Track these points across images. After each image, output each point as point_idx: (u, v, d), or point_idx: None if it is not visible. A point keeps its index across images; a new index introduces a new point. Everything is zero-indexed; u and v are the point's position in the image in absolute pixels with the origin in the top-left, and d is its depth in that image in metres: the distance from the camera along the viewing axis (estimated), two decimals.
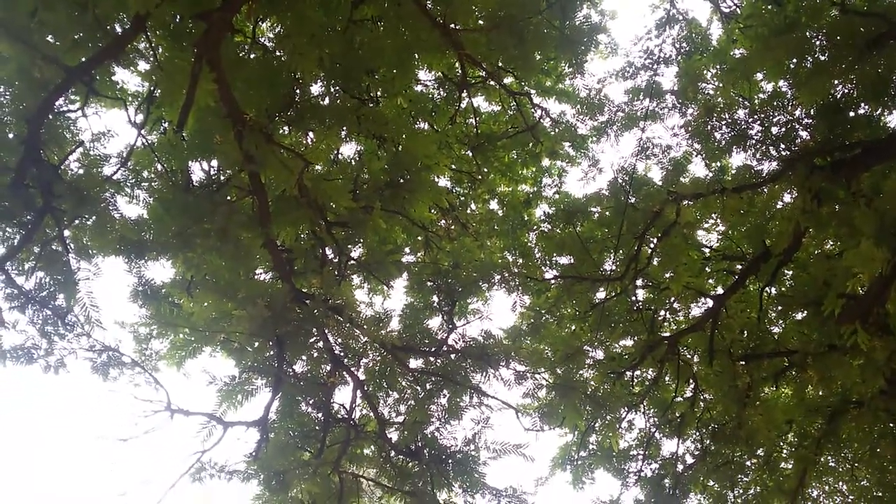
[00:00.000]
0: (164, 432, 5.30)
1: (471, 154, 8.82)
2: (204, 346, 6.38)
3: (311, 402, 5.79)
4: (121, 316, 6.85)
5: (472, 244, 7.84)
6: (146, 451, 5.36)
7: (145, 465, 5.35)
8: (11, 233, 4.79)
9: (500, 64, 8.09)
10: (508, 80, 8.61)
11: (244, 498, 5.92)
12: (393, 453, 5.93)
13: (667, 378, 9.34)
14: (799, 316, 8.99)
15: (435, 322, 6.64)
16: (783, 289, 8.96)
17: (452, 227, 9.27)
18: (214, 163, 6.22)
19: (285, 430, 5.79)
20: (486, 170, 9.19)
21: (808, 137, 6.87)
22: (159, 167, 6.06)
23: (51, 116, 5.14)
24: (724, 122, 7.12)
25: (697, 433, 9.24)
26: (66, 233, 4.97)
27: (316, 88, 6.42)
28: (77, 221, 5.19)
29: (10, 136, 4.99)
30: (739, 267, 8.82)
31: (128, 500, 4.89)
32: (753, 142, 7.15)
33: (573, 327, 8.94)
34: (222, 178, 5.86)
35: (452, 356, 5.86)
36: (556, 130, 8.80)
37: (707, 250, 9.25)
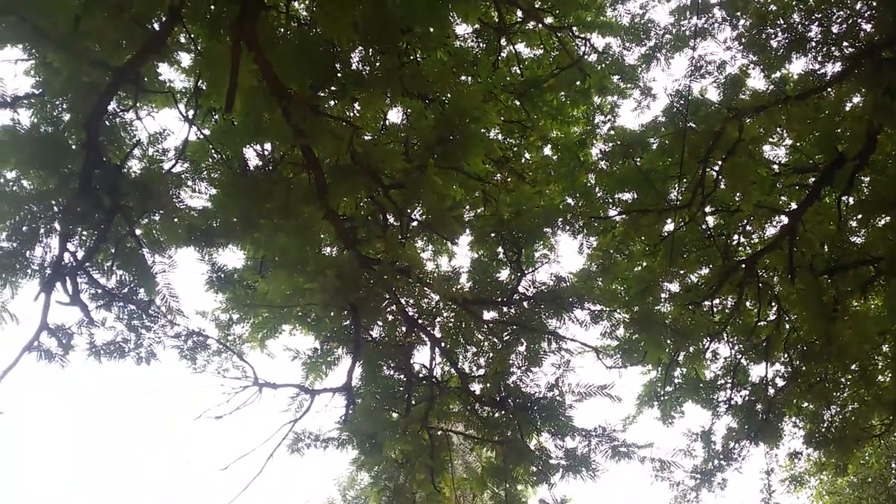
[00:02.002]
0: (256, 408, 5.48)
1: (518, 103, 8.67)
2: (282, 324, 6.56)
3: (391, 364, 5.89)
4: (201, 306, 7.09)
5: (531, 192, 7.75)
6: (241, 427, 5.57)
7: (242, 441, 5.55)
8: (87, 236, 5.00)
9: (538, 4, 7.88)
10: (548, 20, 8.39)
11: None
12: (478, 406, 6.00)
13: (748, 303, 9.10)
14: (881, 222, 8.59)
15: (503, 275, 6.63)
16: (862, 196, 8.54)
17: (509, 178, 9.18)
18: (268, 146, 6.33)
19: (371, 394, 5.92)
20: (535, 116, 9.03)
21: (872, 30, 6.46)
22: (216, 156, 6.21)
23: (107, 122, 5.32)
24: (779, 29, 6.76)
25: (786, 355, 8.99)
26: (137, 230, 5.16)
27: (355, 57, 6.41)
28: (146, 218, 5.38)
29: (72, 144, 5.18)
30: (812, 179, 8.44)
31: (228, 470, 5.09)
32: (813, 44, 6.78)
33: (644, 263, 8.77)
34: (277, 157, 5.95)
35: (525, 304, 5.84)
36: (604, 64, 8.54)
37: (776, 166, 8.88)
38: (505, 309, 5.88)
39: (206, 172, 6.37)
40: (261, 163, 6.11)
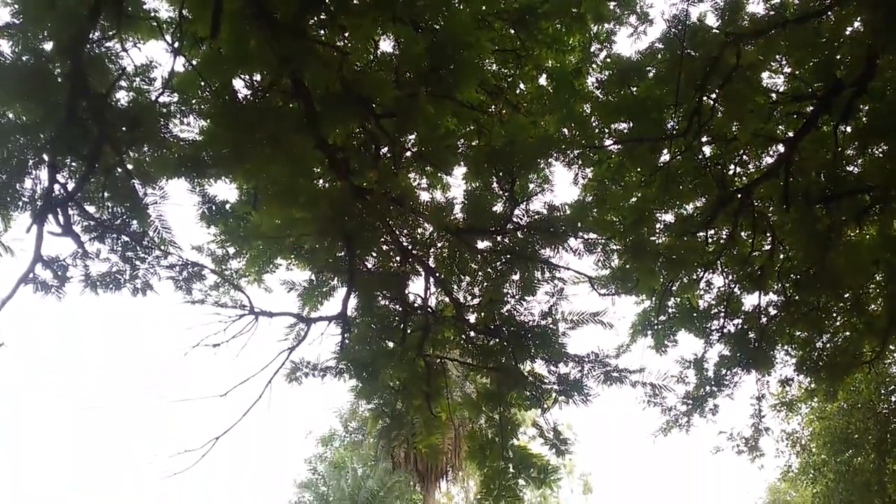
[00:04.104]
0: (253, 343, 5.55)
1: (513, 31, 8.48)
2: (277, 257, 6.59)
3: (386, 295, 5.94)
4: (195, 241, 7.09)
5: (526, 122, 7.65)
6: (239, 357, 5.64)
7: (240, 369, 5.64)
8: (77, 167, 4.97)
9: None
10: None
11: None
12: (473, 334, 6.07)
13: (742, 234, 9.12)
14: (879, 151, 8.53)
15: (498, 207, 6.61)
16: (860, 124, 8.46)
17: (503, 110, 9.06)
18: (257, 76, 6.22)
19: (367, 324, 5.98)
20: (530, 45, 8.84)
21: None
22: (204, 87, 6.11)
23: (91, 52, 5.20)
24: None
25: (779, 284, 9.06)
26: (127, 161, 5.12)
27: None
28: (135, 150, 5.33)
29: (57, 75, 5.09)
30: (811, 109, 8.34)
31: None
32: None
33: (639, 194, 8.74)
34: (266, 86, 5.85)
35: (519, 233, 5.84)
36: None
37: (774, 95, 8.76)
38: (499, 238, 5.89)
39: (195, 104, 6.29)
40: (250, 93, 6.02)
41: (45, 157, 4.76)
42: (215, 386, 5.44)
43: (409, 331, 5.93)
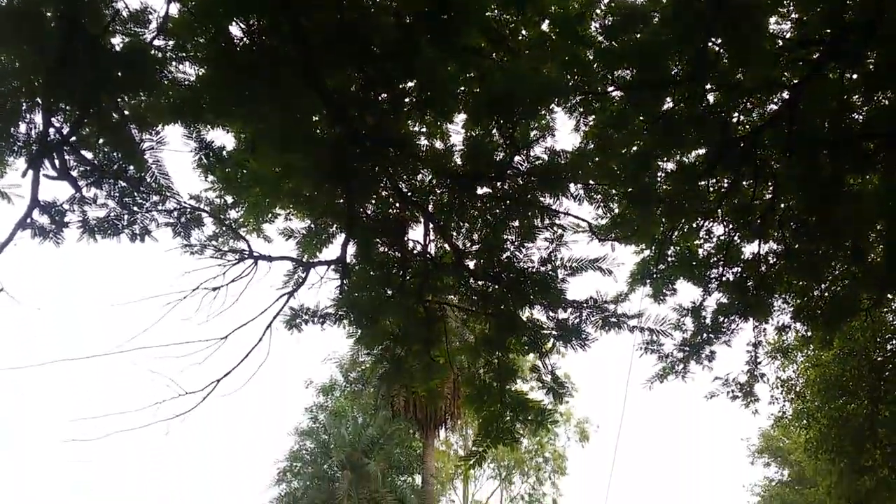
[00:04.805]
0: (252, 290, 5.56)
1: None
2: (276, 204, 6.54)
3: (385, 241, 5.93)
4: (193, 189, 7.04)
5: (527, 68, 7.52)
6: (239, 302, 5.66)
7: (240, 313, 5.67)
8: (71, 111, 4.90)
9: None
10: None
11: None
12: (472, 280, 6.09)
13: (744, 182, 9.06)
14: (885, 100, 8.42)
15: (498, 155, 6.55)
16: (867, 71, 8.32)
17: (505, 58, 8.90)
18: (254, 21, 6.09)
19: (365, 271, 6.00)
20: None
21: None
22: (200, 32, 5.98)
23: None
24: None
25: (779, 233, 9.05)
26: (122, 105, 5.05)
27: None
28: (130, 95, 5.24)
29: (49, 18, 4.99)
30: (817, 55, 8.20)
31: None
32: None
33: (641, 142, 8.66)
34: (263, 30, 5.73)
35: (519, 180, 5.81)
36: None
37: (780, 41, 8.60)
38: (499, 184, 5.85)
39: (190, 49, 6.17)
40: (247, 37, 5.90)
41: (39, 101, 4.70)
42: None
43: (408, 277, 5.94)
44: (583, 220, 6.13)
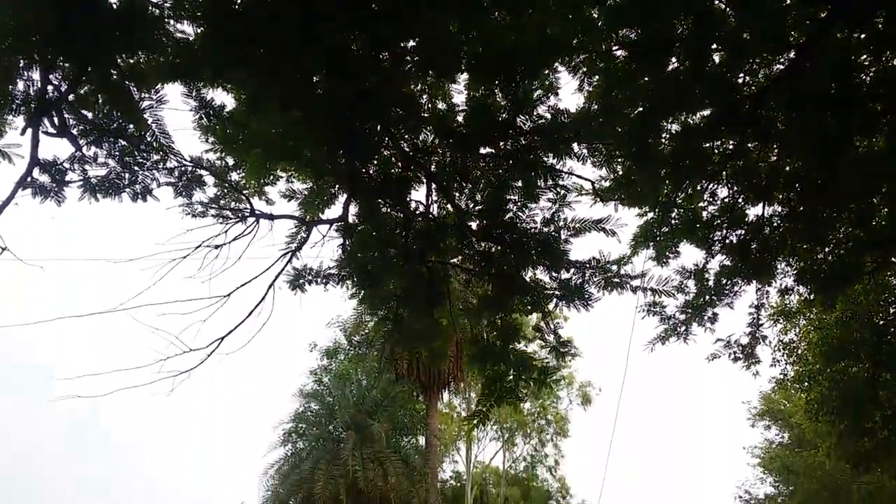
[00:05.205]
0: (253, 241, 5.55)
1: None
2: (277, 164, 6.50)
3: (388, 202, 5.91)
4: (194, 152, 6.99)
5: (531, 27, 7.40)
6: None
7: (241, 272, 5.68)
8: (70, 68, 4.85)
9: None
10: None
11: None
12: (475, 241, 6.08)
13: (749, 144, 8.98)
14: (894, 61, 8.29)
15: (502, 116, 6.48)
16: (875, 30, 8.19)
17: (508, 17, 8.76)
18: None
19: (368, 231, 5.99)
20: None
21: None
22: None
23: None
24: None
25: (784, 195, 9.00)
26: (121, 63, 4.99)
27: None
28: (129, 53, 5.18)
29: None
30: (825, 14, 8.06)
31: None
32: None
33: (646, 104, 8.56)
34: None
35: (522, 139, 5.76)
36: None
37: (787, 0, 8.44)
38: (501, 144, 5.80)
39: (189, 9, 6.08)
40: None
41: (37, 59, 4.64)
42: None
43: (410, 238, 5.93)
44: (587, 179, 6.09)
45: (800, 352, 15.20)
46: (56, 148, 5.15)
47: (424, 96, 5.70)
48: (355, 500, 24.81)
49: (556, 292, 6.06)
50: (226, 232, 5.37)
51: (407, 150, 5.75)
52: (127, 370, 4.79)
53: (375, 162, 5.90)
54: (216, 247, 5.36)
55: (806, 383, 14.94)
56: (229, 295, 5.23)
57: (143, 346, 5.00)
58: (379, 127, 5.42)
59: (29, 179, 4.91)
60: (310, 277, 6.07)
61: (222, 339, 5.23)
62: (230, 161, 7.54)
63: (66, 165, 5.14)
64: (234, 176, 7.81)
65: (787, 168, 8.91)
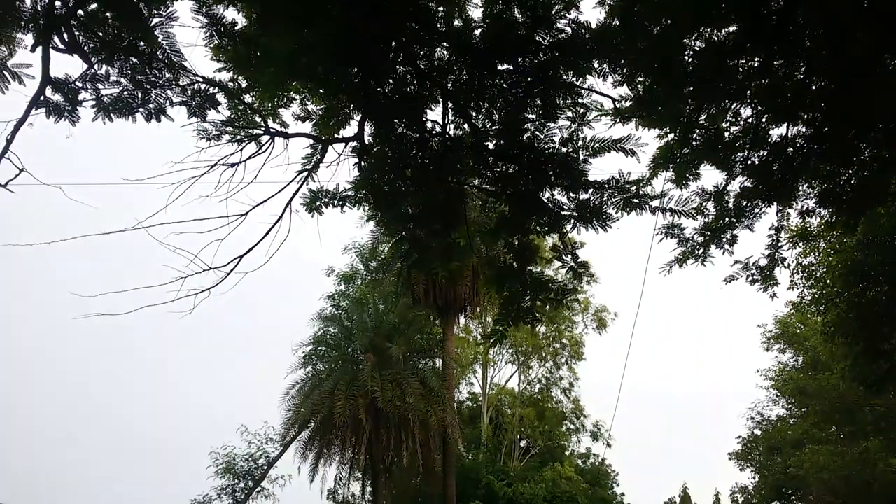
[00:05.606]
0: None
1: None
2: (291, 85, 6.38)
3: (404, 122, 5.81)
4: (207, 73, 6.87)
5: None
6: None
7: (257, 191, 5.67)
8: None
9: None
10: None
11: None
12: (492, 161, 6.00)
13: (776, 62, 8.69)
14: None
15: (520, 31, 6.27)
16: None
17: None
18: None
19: (383, 152, 5.92)
20: None
21: None
22: None
23: None
24: None
25: (809, 115, 8.75)
26: None
27: None
28: None
29: None
30: None
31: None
32: None
33: (669, 19, 8.25)
34: None
35: (541, 55, 5.59)
36: None
37: None
38: (520, 60, 5.64)
39: None
40: None
41: None
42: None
43: (426, 158, 5.86)
44: (607, 96, 5.93)
45: (818, 275, 15.13)
46: (68, 67, 5.07)
47: (440, 10, 5.51)
48: (374, 419, 25.53)
49: (574, 213, 6.00)
50: (241, 150, 5.33)
51: (422, 67, 5.61)
52: (148, 287, 4.85)
53: (390, 80, 5.77)
54: (232, 165, 5.32)
55: (823, 306, 14.93)
56: (247, 213, 5.24)
57: (162, 265, 5.05)
58: (394, 43, 5.27)
59: (42, 99, 4.87)
60: (326, 199, 6.05)
61: (241, 257, 5.26)
62: (243, 83, 7.44)
63: (79, 84, 5.08)
64: (248, 98, 7.72)
65: (814, 87, 8.64)
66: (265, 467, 30.51)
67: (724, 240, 8.73)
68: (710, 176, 8.79)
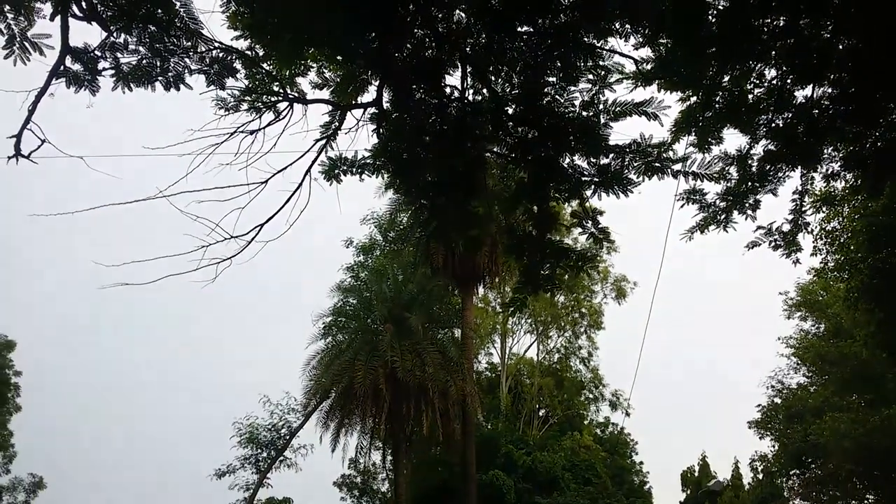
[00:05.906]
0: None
1: None
2: (308, 52, 6.34)
3: (422, 87, 5.75)
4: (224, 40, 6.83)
5: None
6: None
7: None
8: None
9: None
10: None
11: None
12: (511, 126, 5.93)
13: (801, 22, 8.49)
14: None
15: None
16: None
17: None
18: None
19: (402, 118, 5.87)
20: None
21: None
22: None
23: None
24: None
25: (836, 76, 8.54)
26: None
27: None
28: None
29: None
30: None
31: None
32: None
33: None
34: None
35: (562, 17, 5.48)
36: None
37: None
38: (540, 22, 5.54)
39: None
40: None
41: None
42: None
43: (445, 124, 5.81)
44: (629, 56, 5.82)
45: (842, 240, 14.93)
46: (87, 36, 5.05)
47: None
48: (394, 389, 25.77)
49: (595, 178, 5.94)
50: (259, 118, 5.31)
51: (441, 30, 5.53)
52: (170, 257, 4.88)
53: (408, 44, 5.70)
54: (251, 132, 5.31)
55: (846, 272, 14.76)
56: (266, 181, 5.24)
57: (183, 234, 5.07)
58: (411, 6, 5.20)
59: (62, 69, 4.87)
60: (345, 167, 6.03)
61: (261, 225, 5.28)
62: (260, 52, 7.40)
63: (98, 53, 5.08)
64: (265, 66, 7.68)
65: (841, 46, 8.43)
66: (287, 437, 30.99)
67: (747, 205, 8.62)
68: (733, 140, 8.63)
